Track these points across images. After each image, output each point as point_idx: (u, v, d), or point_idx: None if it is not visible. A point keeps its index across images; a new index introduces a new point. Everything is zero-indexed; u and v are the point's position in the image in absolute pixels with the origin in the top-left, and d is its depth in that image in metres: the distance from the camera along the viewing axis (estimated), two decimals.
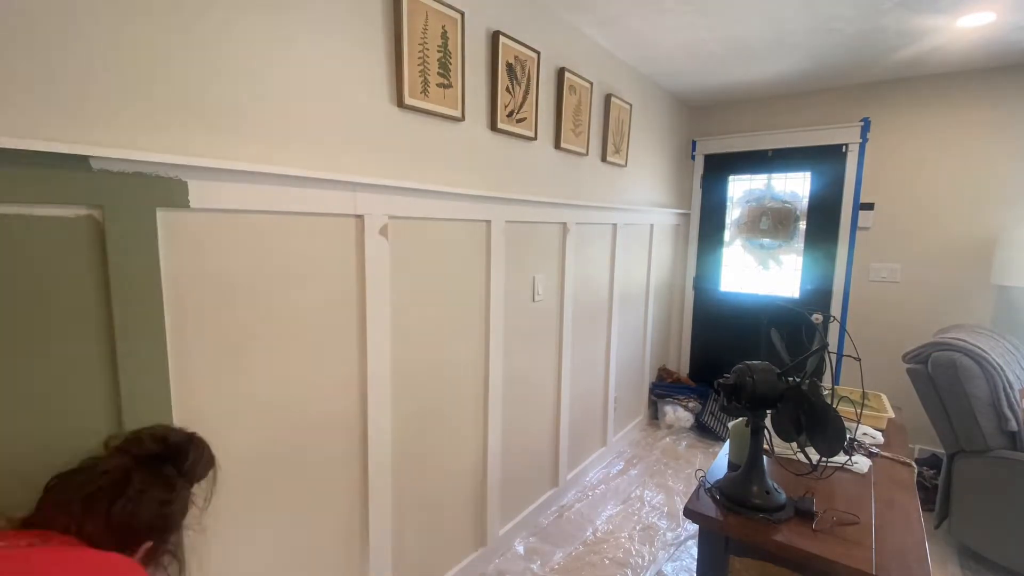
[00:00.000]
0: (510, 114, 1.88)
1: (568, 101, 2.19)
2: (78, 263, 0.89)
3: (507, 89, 1.84)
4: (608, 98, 2.51)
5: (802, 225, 3.31)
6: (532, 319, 2.15)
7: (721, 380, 1.25)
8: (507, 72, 1.83)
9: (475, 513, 1.94)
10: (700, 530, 1.28)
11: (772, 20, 2.11)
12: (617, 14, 2.09)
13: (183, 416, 1.05)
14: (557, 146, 2.19)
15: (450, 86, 1.60)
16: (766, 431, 1.27)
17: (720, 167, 3.62)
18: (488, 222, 1.82)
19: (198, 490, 0.89)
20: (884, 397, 1.93)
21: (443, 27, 1.54)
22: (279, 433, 1.24)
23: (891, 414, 1.79)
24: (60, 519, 0.71)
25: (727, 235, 3.67)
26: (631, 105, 2.75)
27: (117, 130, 0.94)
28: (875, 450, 1.59)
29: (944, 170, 2.82)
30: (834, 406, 1.15)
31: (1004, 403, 1.91)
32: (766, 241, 3.48)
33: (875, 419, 1.76)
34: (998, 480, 1.92)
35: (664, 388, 3.54)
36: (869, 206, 3.04)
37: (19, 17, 0.81)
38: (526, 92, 1.94)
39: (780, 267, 3.47)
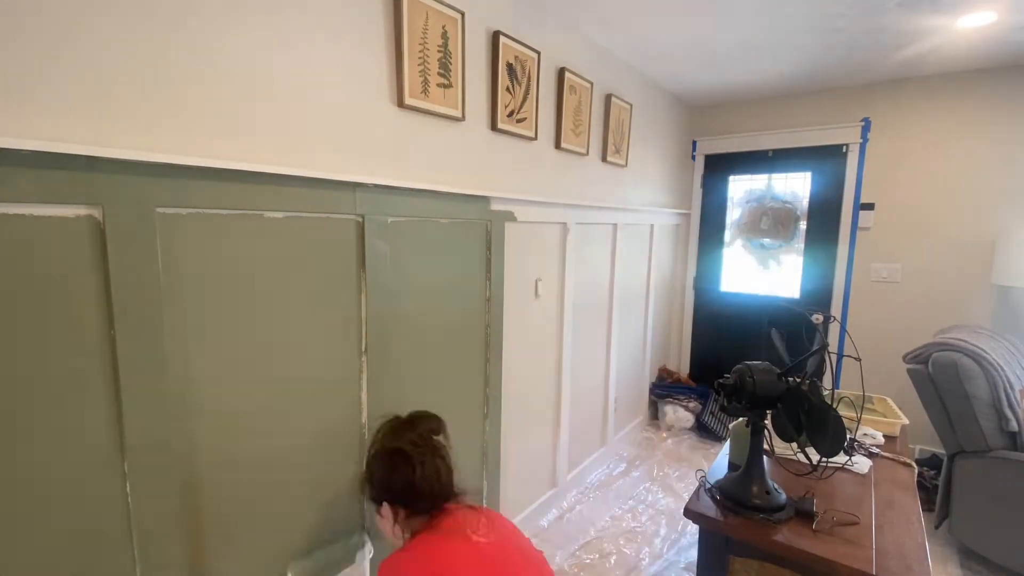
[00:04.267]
0: (510, 114, 1.88)
1: (568, 101, 2.19)
2: (78, 263, 0.89)
3: (507, 89, 1.84)
4: (608, 98, 2.51)
5: (803, 225, 3.31)
6: (532, 319, 2.15)
7: (721, 380, 1.25)
8: (507, 72, 1.83)
9: None
10: (700, 530, 1.28)
11: (772, 20, 2.10)
12: (617, 14, 2.09)
13: (184, 416, 1.05)
14: (557, 146, 2.19)
15: (450, 86, 1.59)
16: (766, 431, 1.27)
17: (720, 167, 3.62)
18: (488, 222, 1.82)
19: None
20: (890, 400, 1.92)
21: (443, 27, 1.54)
22: (280, 431, 1.24)
23: (904, 420, 1.77)
24: None
25: (727, 235, 3.66)
26: (631, 105, 2.75)
27: (117, 130, 0.94)
28: (875, 450, 1.59)
29: (944, 170, 2.82)
30: (836, 409, 1.15)
31: (1004, 403, 1.91)
32: (767, 241, 3.48)
33: (888, 426, 1.75)
34: (998, 480, 1.91)
35: (664, 388, 3.54)
36: (869, 206, 3.03)
37: (20, 18, 0.81)
38: (526, 92, 1.94)
39: (780, 267, 3.47)
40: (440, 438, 1.12)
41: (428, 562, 0.94)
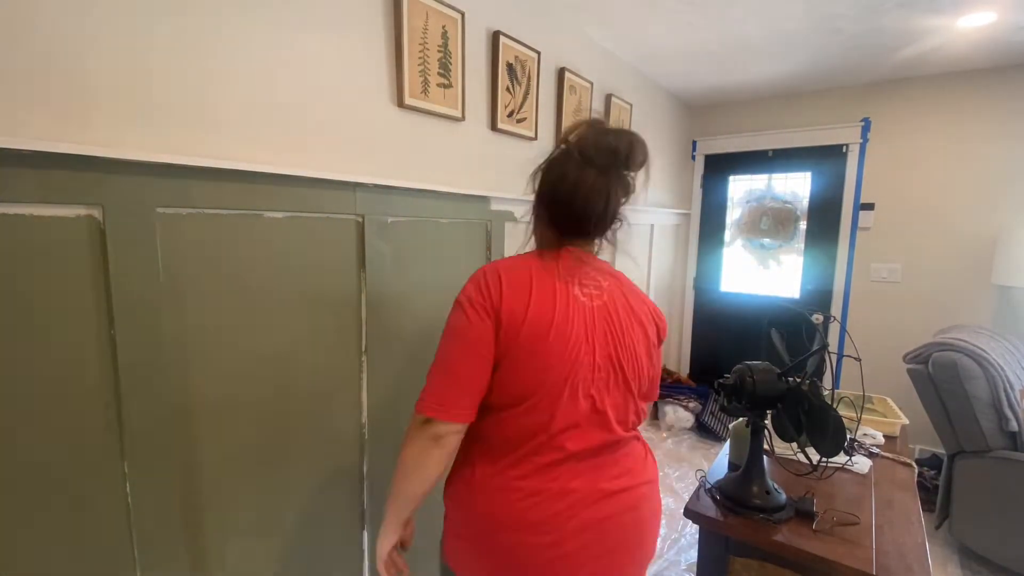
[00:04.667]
0: (510, 114, 1.88)
1: (568, 101, 2.19)
2: (78, 263, 0.89)
3: (507, 89, 1.84)
4: (608, 98, 2.51)
5: (802, 225, 3.31)
6: None
7: (721, 380, 1.25)
8: (507, 72, 1.83)
9: None
10: (700, 530, 1.28)
11: (772, 20, 2.10)
12: (617, 14, 2.09)
13: (184, 416, 1.05)
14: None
15: (450, 86, 1.59)
16: (766, 431, 1.27)
17: (720, 167, 3.62)
18: (488, 222, 1.82)
19: None
20: (890, 400, 1.92)
21: (443, 27, 1.54)
22: (281, 431, 1.24)
23: (904, 420, 1.77)
24: None
25: (727, 235, 3.67)
26: (631, 105, 2.75)
27: (118, 130, 0.94)
28: (875, 450, 1.59)
29: (944, 170, 2.82)
30: (836, 410, 1.15)
31: (1005, 403, 1.91)
32: (766, 241, 3.48)
33: (888, 426, 1.74)
34: (999, 480, 1.91)
35: (664, 388, 3.53)
36: (869, 206, 3.03)
37: (21, 17, 0.81)
38: (526, 92, 1.94)
39: (780, 267, 3.47)
40: (629, 175, 0.94)
41: (508, 270, 0.86)
